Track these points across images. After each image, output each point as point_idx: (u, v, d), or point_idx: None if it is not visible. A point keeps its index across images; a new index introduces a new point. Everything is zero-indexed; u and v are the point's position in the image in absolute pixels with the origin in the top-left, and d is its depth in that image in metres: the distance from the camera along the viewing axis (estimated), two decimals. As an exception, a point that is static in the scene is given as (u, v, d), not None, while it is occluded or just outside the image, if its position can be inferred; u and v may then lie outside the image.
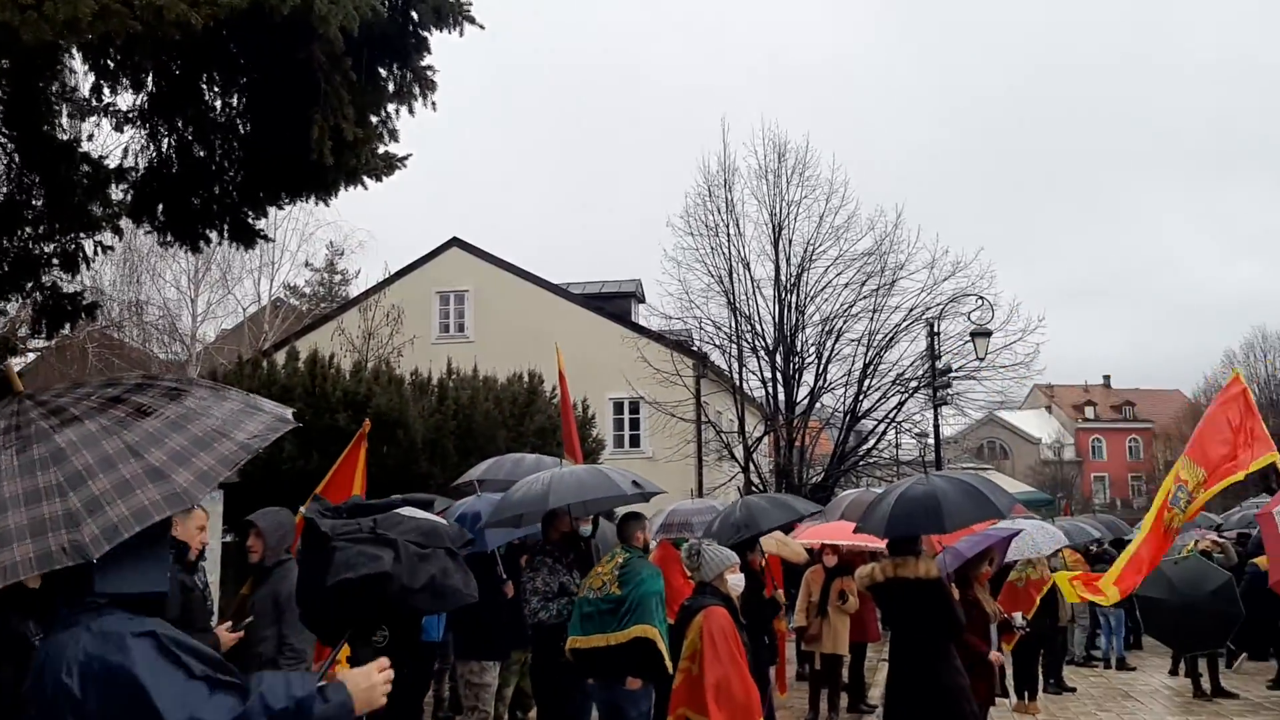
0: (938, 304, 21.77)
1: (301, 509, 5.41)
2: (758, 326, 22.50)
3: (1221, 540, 13.47)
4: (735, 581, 6.43)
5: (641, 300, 28.83)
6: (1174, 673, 13.76)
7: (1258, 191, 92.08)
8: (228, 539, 10.27)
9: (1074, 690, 12.65)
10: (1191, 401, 59.66)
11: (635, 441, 25.58)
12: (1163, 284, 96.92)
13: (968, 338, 21.17)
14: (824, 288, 22.37)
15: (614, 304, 27.79)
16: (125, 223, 9.50)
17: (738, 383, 22.75)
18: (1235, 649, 12.75)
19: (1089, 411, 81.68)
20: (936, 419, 21.77)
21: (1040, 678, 11.34)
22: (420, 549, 3.41)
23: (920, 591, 6.71)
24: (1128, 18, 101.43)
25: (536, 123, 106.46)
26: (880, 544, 10.40)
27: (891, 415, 22.76)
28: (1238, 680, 12.65)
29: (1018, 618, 8.59)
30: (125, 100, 8.45)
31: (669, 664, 6.33)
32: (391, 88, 7.78)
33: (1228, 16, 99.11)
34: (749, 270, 22.50)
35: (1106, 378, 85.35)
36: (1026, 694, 10.36)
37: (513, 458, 9.95)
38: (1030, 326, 21.84)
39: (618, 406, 25.69)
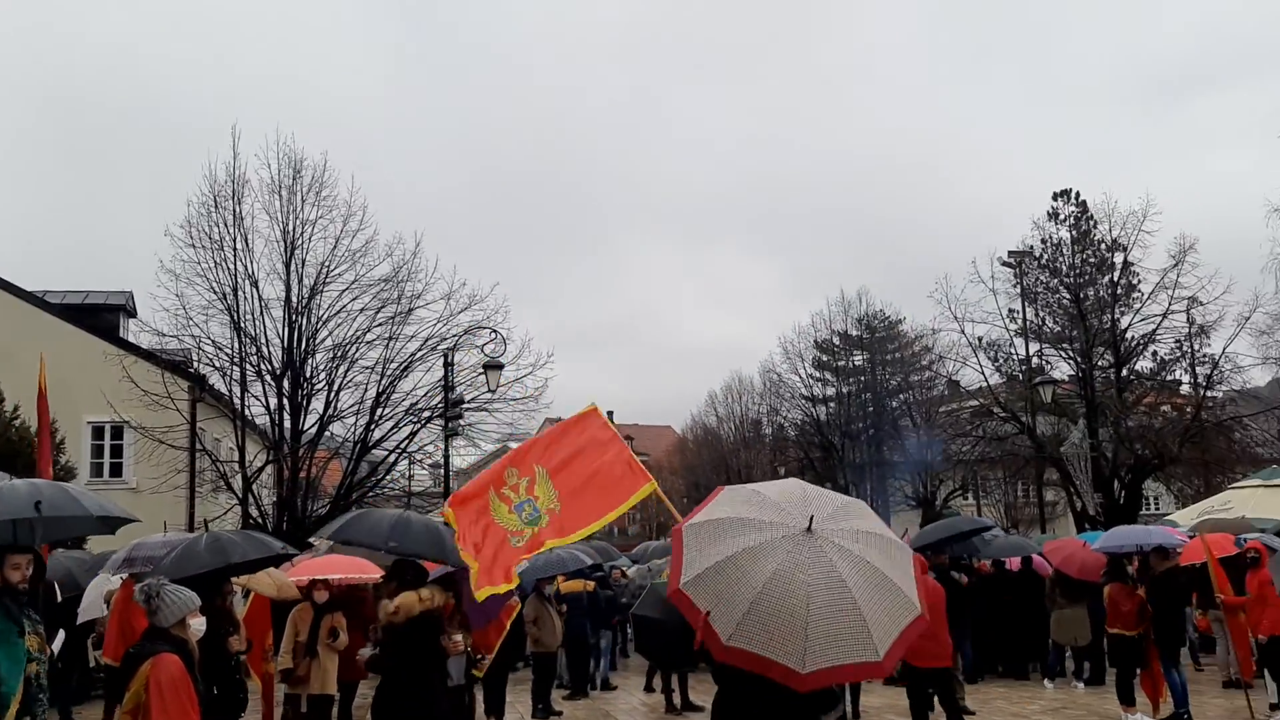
0: (453, 335, 22.06)
1: None
2: (264, 349, 21.31)
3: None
4: (197, 626, 5.89)
5: (132, 314, 26.31)
6: (649, 689, 14.72)
7: (736, 254, 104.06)
8: None
9: (560, 714, 13.05)
10: (680, 436, 65.44)
11: (117, 470, 23.27)
12: (658, 330, 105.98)
13: (481, 370, 21.54)
14: (338, 312, 21.79)
15: (99, 317, 25.20)
16: None
17: (239, 408, 21.35)
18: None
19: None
20: (448, 449, 21.94)
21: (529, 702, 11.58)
22: None
23: (436, 621, 6.96)
24: (636, 97, 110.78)
25: (16, 108, 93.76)
26: (377, 574, 10.18)
27: (404, 445, 22.54)
28: (703, 693, 13.78)
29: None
30: None
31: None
32: None
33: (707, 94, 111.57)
34: (257, 289, 21.29)
35: (610, 413, 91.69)
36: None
37: None
38: (540, 361, 22.70)
39: (97, 431, 23.20)
